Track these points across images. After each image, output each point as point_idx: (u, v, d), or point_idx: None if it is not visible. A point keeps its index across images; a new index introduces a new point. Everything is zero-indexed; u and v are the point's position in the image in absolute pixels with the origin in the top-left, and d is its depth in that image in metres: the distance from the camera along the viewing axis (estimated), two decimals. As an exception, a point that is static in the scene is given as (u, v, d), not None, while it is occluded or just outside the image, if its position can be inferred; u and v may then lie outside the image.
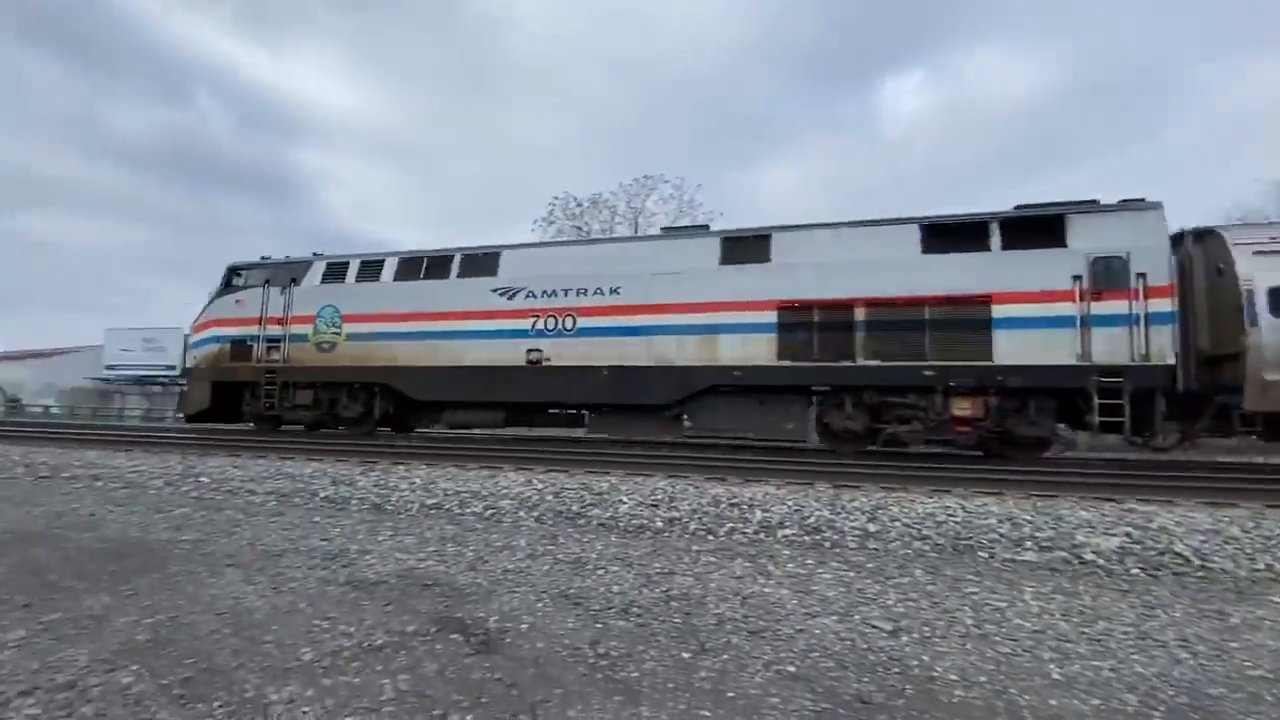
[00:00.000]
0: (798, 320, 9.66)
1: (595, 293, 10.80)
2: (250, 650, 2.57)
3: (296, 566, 3.86)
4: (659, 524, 5.36)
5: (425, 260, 12.31)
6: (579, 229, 27.28)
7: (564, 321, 10.90)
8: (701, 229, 12.00)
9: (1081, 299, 8.38)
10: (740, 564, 4.25)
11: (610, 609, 3.23)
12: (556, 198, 27.42)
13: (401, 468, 7.92)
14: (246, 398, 13.12)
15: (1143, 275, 8.17)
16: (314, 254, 13.61)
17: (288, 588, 3.43)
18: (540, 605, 3.25)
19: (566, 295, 10.95)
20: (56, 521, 5.07)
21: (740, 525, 5.31)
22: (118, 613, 2.96)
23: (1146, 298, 8.11)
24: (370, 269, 12.67)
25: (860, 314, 9.30)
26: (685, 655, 2.68)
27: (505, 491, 6.32)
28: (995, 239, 9.01)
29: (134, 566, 3.78)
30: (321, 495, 6.47)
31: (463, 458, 8.92)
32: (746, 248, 10.29)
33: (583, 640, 2.79)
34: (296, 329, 12.73)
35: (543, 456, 9.05)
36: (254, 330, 12.97)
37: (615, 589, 3.58)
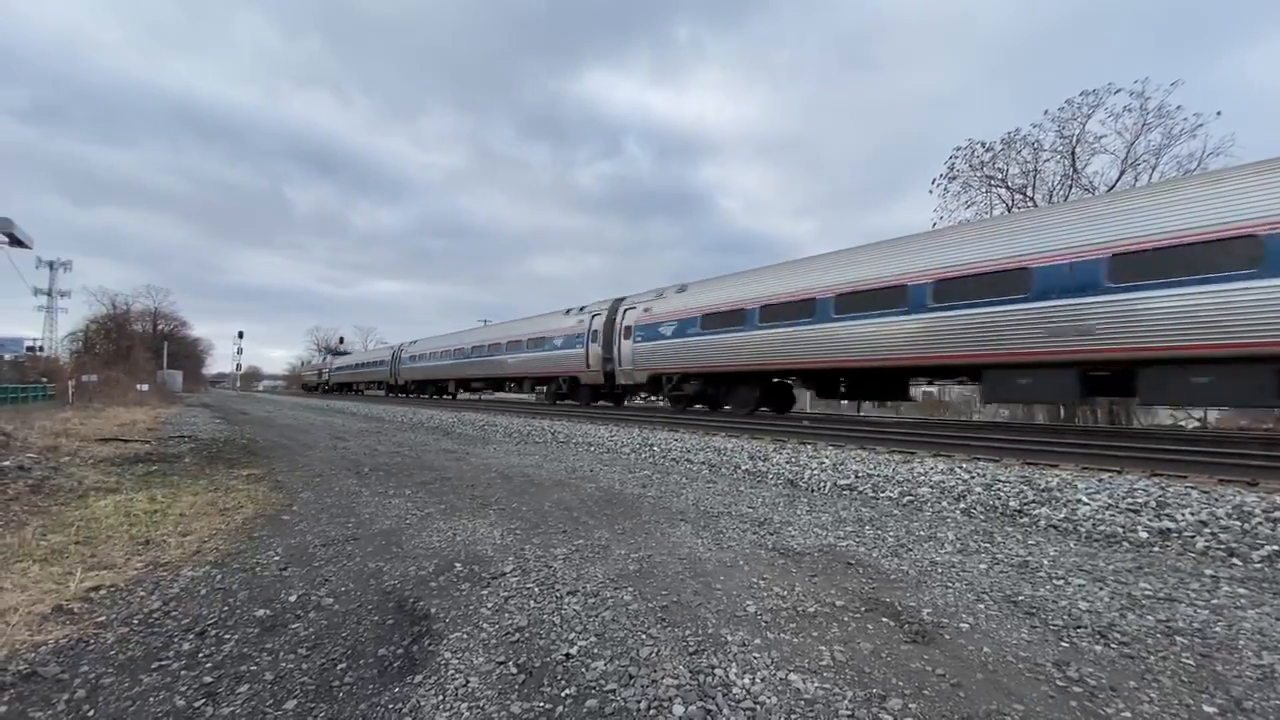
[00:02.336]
0: None
1: None
2: (706, 593, 3.03)
3: (731, 529, 4.38)
4: (1143, 534, 4.16)
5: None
6: (990, 179, 23.23)
7: None
8: None
9: None
10: (1299, 606, 2.96)
11: (1079, 628, 2.65)
12: (958, 148, 23.73)
13: (809, 447, 8.19)
14: None
15: None
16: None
17: (727, 546, 3.92)
18: (981, 607, 2.90)
19: None
20: (572, 474, 6.98)
21: (1293, 552, 3.70)
22: (615, 545, 3.89)
23: None
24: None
25: None
26: (1210, 710, 2.01)
27: (923, 478, 5.88)
28: None
29: (619, 512, 4.91)
30: (743, 468, 7.21)
31: (870, 440, 8.69)
32: None
33: (1044, 657, 2.36)
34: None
35: (963, 443, 8.09)
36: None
37: (1082, 605, 2.92)
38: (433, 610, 2.82)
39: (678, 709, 1.99)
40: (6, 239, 9.08)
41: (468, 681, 2.17)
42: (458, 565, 3.48)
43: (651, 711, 1.98)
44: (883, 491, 5.73)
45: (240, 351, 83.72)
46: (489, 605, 2.88)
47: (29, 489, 5.58)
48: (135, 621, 2.73)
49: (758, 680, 2.16)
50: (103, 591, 3.08)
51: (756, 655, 2.35)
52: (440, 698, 2.08)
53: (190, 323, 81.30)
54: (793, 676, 2.19)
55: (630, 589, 3.08)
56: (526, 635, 2.54)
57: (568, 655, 2.36)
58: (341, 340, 78.35)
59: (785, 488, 6.21)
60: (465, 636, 2.54)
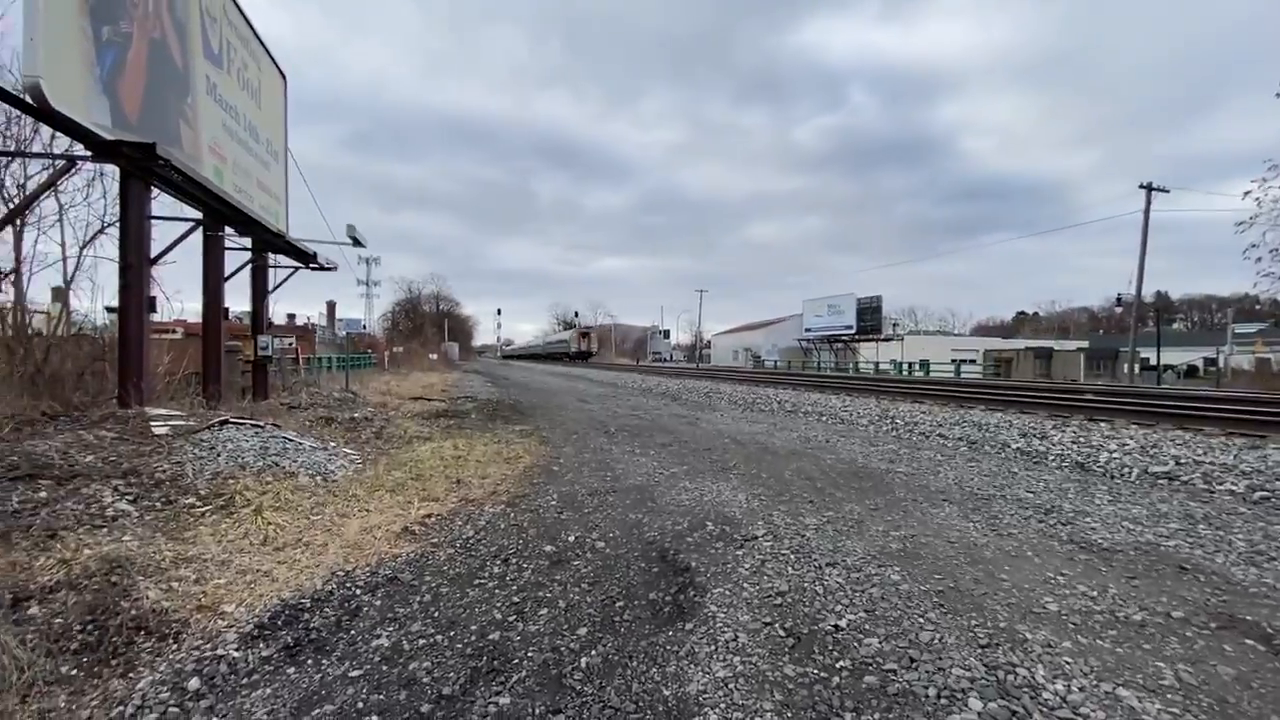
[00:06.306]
0: None
1: None
2: (990, 583, 2.69)
3: (1008, 513, 3.84)
4: None
5: None
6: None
7: None
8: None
9: None
10: None
11: None
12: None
13: (1103, 425, 6.82)
14: None
15: None
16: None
17: (1007, 532, 3.44)
18: None
19: None
20: (807, 444, 6.79)
21: None
22: (869, 522, 3.67)
23: None
24: None
25: None
26: None
27: (1285, 470, 4.49)
28: None
29: (868, 487, 4.62)
30: (1013, 447, 6.27)
31: (1192, 419, 6.92)
32: None
33: None
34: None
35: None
36: None
37: None
38: (692, 564, 2.95)
39: (974, 703, 1.79)
40: (351, 241, 11.92)
41: (736, 636, 2.22)
42: (709, 524, 3.60)
43: (943, 700, 1.81)
44: (1220, 483, 4.51)
45: (499, 326, 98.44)
46: (745, 566, 2.92)
47: (374, 435, 7.19)
48: (458, 545, 3.33)
49: (1074, 689, 1.85)
50: (433, 519, 3.82)
51: (1069, 660, 2.01)
52: (713, 647, 2.15)
53: (462, 303, 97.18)
54: (1123, 692, 1.83)
55: (896, 568, 2.86)
56: (789, 601, 2.52)
57: (836, 627, 2.27)
58: (576, 315, 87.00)
59: (1073, 471, 5.25)
60: (727, 593, 2.61)
